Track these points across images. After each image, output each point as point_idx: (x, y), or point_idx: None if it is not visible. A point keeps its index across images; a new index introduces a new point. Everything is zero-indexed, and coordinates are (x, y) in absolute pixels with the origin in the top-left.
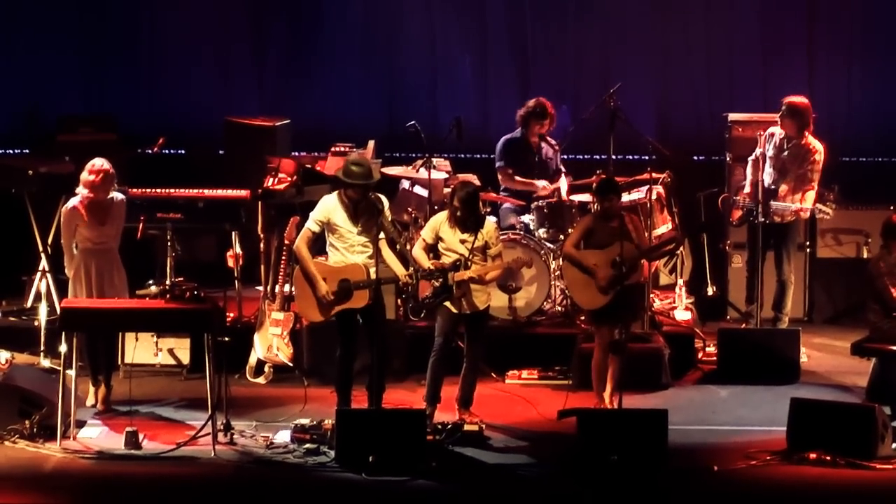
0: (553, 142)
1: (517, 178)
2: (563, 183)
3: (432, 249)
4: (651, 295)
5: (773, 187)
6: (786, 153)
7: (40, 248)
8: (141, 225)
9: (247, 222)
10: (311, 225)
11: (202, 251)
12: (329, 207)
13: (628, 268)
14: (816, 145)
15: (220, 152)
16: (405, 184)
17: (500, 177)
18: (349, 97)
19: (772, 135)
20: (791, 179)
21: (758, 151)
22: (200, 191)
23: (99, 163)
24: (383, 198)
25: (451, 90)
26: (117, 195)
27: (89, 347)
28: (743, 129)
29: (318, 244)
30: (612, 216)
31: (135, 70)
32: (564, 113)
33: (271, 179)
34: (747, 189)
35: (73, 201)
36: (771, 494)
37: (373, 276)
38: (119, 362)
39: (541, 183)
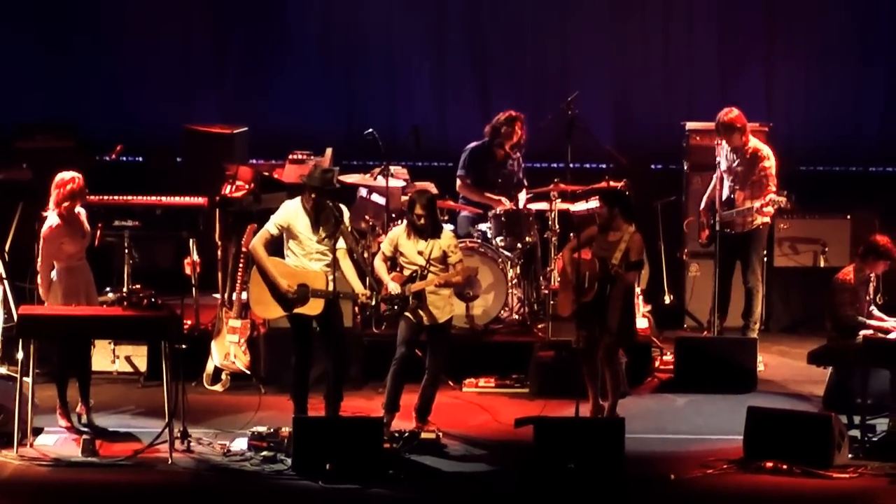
0: (518, 155)
1: (475, 189)
2: (522, 196)
3: (392, 262)
4: None
5: (731, 196)
6: (736, 163)
7: None
8: (98, 232)
9: (204, 230)
10: (271, 227)
11: (159, 258)
12: (290, 213)
13: (589, 283)
14: (764, 150)
15: (178, 160)
16: (363, 192)
17: (458, 184)
18: (307, 105)
19: (722, 147)
20: (747, 187)
21: (720, 167)
22: (158, 198)
23: (68, 175)
24: (344, 208)
25: (409, 98)
26: (80, 208)
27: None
28: (700, 138)
29: (271, 247)
30: (610, 228)
31: (94, 77)
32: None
33: (229, 187)
34: (703, 206)
35: (53, 220)
36: (727, 503)
37: (331, 286)
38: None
39: (498, 198)
